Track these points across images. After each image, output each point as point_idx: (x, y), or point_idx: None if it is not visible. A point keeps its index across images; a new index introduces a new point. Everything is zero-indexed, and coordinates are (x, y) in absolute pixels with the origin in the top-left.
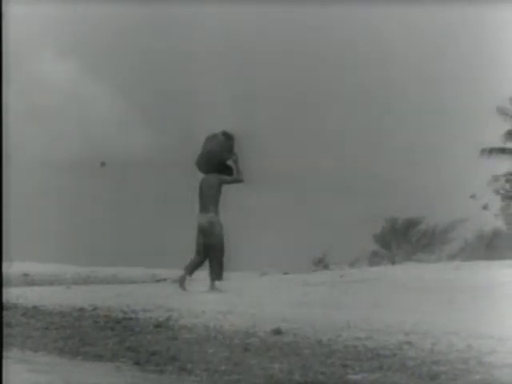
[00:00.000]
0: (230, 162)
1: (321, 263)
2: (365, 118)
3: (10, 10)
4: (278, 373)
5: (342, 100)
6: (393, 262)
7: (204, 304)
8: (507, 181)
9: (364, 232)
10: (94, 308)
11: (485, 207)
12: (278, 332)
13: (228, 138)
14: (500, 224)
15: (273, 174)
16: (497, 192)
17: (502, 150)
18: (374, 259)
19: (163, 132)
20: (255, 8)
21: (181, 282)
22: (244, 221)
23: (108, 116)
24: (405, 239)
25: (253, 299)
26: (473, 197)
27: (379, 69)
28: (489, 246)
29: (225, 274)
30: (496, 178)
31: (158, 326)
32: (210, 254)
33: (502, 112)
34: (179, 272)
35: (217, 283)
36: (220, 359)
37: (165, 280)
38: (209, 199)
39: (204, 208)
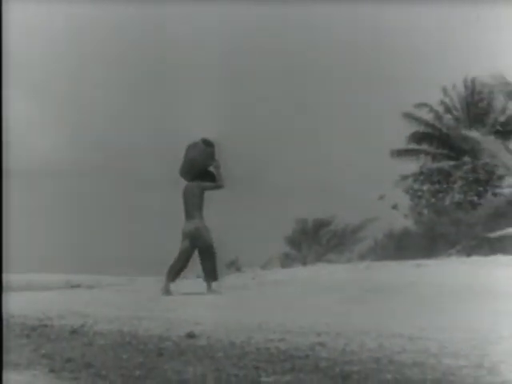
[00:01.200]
0: (211, 169)
1: (233, 265)
2: (277, 118)
3: None
4: (192, 377)
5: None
6: (304, 263)
7: (118, 309)
8: (415, 181)
9: (276, 233)
10: (10, 316)
11: (394, 207)
12: (191, 336)
13: (208, 145)
14: (409, 224)
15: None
16: (406, 191)
17: (409, 151)
18: (286, 261)
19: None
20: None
21: (165, 288)
22: (158, 225)
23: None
24: (315, 240)
25: (167, 303)
26: (382, 197)
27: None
28: (398, 246)
29: (140, 279)
30: (404, 178)
31: (73, 332)
32: (203, 257)
33: (408, 116)
34: (94, 278)
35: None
36: (134, 364)
37: (79, 286)
38: (193, 206)
39: (189, 215)
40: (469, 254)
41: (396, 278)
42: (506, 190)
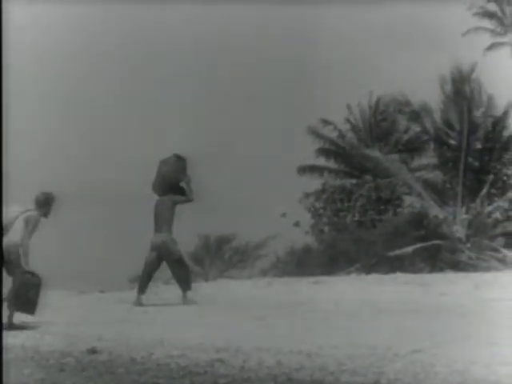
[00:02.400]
0: (182, 184)
1: (137, 281)
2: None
3: None
4: None
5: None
6: (206, 279)
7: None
8: (317, 199)
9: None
10: None
11: (296, 224)
12: (93, 351)
13: (180, 159)
14: (310, 241)
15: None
16: (308, 209)
17: (314, 168)
18: None
19: None
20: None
21: (137, 301)
22: (61, 238)
23: None
24: (218, 256)
25: (69, 318)
26: (284, 215)
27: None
28: (299, 263)
29: (42, 293)
30: (307, 196)
31: None
32: (173, 269)
33: (313, 131)
34: None
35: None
36: (36, 380)
37: None
38: (163, 220)
39: (158, 228)
40: (368, 272)
41: (295, 295)
42: (407, 209)
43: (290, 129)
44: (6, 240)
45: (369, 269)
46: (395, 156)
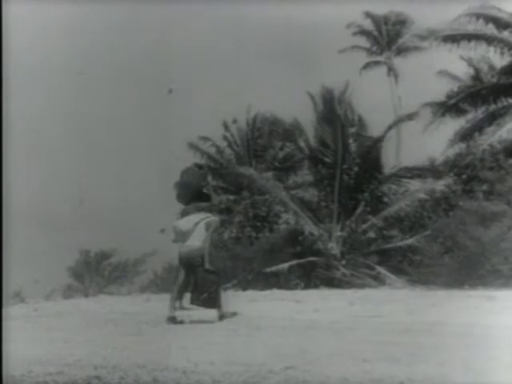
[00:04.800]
0: (205, 190)
1: (17, 297)
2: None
3: None
4: None
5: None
6: (86, 295)
7: None
8: None
9: (59, 264)
10: None
11: (174, 241)
12: None
13: (200, 167)
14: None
15: None
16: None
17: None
18: (68, 292)
19: None
20: None
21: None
22: None
23: None
24: (97, 272)
25: None
26: (163, 231)
27: None
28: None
29: None
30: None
31: None
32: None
33: (193, 147)
34: None
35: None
36: None
37: None
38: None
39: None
40: (245, 288)
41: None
42: (283, 226)
43: (170, 144)
44: (187, 245)
45: (245, 285)
46: (269, 174)
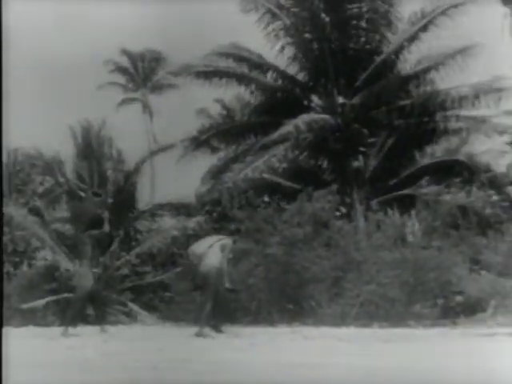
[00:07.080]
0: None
1: None
2: None
3: None
4: None
5: None
6: None
7: None
8: None
9: None
10: None
11: None
12: None
13: (97, 195)
14: None
15: None
16: None
17: None
18: None
19: None
20: None
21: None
22: None
23: None
24: None
25: None
26: None
27: None
28: None
29: None
30: None
31: None
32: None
33: None
34: None
35: None
36: None
37: None
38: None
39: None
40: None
41: None
42: (40, 263)
43: None
44: (203, 265)
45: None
46: (24, 210)
